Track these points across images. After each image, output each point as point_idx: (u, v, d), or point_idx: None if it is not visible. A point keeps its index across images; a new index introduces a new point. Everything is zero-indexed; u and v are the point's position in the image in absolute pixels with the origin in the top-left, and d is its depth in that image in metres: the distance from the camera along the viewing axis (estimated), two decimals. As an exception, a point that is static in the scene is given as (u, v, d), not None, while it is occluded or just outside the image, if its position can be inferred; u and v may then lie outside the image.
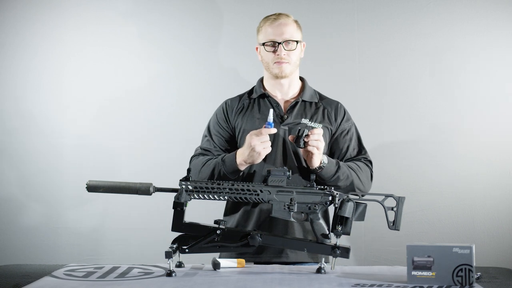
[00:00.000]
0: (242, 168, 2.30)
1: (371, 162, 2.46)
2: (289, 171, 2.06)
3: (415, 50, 3.30)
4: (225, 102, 2.51)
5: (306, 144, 2.21)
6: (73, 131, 3.34)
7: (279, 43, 2.36)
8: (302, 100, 2.44)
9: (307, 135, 2.21)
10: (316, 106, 2.45)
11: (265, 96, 2.45)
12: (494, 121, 3.26)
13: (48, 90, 3.35)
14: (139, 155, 3.34)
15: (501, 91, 3.27)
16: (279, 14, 2.42)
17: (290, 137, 2.28)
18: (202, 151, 2.45)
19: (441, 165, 3.27)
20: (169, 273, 1.98)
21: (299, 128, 2.23)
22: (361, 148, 2.48)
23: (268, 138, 2.24)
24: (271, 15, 2.43)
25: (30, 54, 3.34)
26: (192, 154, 2.48)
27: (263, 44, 2.40)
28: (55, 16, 3.35)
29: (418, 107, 3.30)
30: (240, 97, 2.50)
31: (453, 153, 3.27)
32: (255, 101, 2.46)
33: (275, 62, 2.38)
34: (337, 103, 2.49)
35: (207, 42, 3.37)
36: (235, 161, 2.28)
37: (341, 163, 2.35)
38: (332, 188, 2.06)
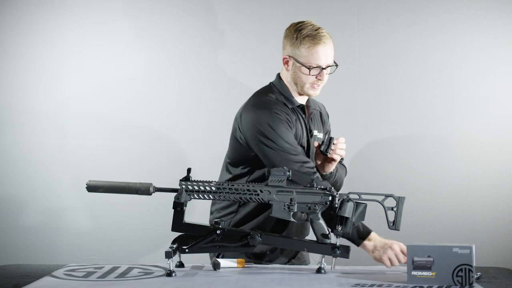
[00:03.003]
0: None
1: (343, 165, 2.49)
2: (289, 171, 2.05)
3: (415, 50, 3.30)
4: (282, 117, 2.26)
5: (332, 151, 2.25)
6: (73, 131, 3.34)
7: (323, 68, 2.28)
8: (313, 109, 2.43)
9: (334, 143, 2.25)
10: (319, 114, 2.45)
11: (302, 106, 2.36)
12: (494, 121, 3.26)
13: (48, 90, 3.35)
14: (139, 155, 3.33)
15: (501, 91, 3.27)
16: (324, 34, 2.28)
17: (315, 144, 2.30)
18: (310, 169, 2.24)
19: (441, 165, 3.27)
20: (169, 273, 1.98)
21: (327, 136, 2.29)
22: None
23: None
24: (313, 32, 2.27)
25: (30, 54, 3.34)
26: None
27: (309, 67, 2.26)
28: (55, 16, 3.35)
29: (418, 107, 3.30)
30: (286, 106, 2.31)
31: (453, 153, 3.27)
32: (293, 111, 2.34)
33: (312, 84, 2.30)
34: (323, 106, 2.51)
35: (207, 42, 3.37)
36: None
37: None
38: (332, 188, 2.07)
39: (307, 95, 2.34)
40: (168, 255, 1.98)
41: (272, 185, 2.05)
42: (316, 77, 2.28)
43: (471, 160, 3.26)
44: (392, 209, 2.04)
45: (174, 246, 2.02)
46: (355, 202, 2.02)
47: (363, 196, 2.06)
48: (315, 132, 2.37)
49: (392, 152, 3.29)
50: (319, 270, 2.04)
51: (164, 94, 3.37)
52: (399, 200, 2.05)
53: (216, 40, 3.37)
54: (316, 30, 2.29)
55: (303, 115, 2.36)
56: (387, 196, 2.04)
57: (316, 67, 2.27)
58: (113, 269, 2.11)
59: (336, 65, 2.32)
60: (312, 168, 2.22)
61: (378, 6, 3.32)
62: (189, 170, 2.07)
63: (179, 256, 2.11)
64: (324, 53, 2.28)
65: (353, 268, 2.13)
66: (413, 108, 3.31)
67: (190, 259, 2.12)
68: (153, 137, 3.34)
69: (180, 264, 2.13)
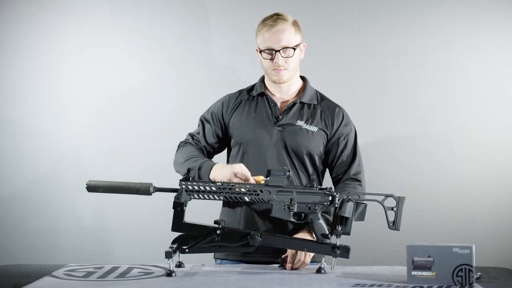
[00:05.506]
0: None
1: (360, 181, 2.40)
2: (289, 171, 2.06)
3: (415, 50, 3.30)
4: (225, 97, 2.52)
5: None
6: (73, 131, 3.34)
7: (277, 51, 2.34)
8: (300, 102, 2.43)
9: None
10: (314, 108, 2.44)
11: (263, 94, 2.45)
12: (494, 121, 3.26)
13: (48, 90, 3.35)
14: (139, 155, 3.34)
15: (501, 91, 3.27)
16: (277, 19, 2.36)
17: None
18: (190, 139, 2.47)
19: (441, 165, 3.27)
20: (169, 273, 1.98)
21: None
22: (354, 157, 2.42)
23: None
24: (268, 19, 2.38)
25: (30, 54, 3.34)
26: (184, 138, 2.51)
27: (261, 51, 2.38)
28: (55, 16, 3.35)
29: (418, 107, 3.30)
30: (240, 92, 2.51)
31: (453, 153, 3.27)
32: (253, 99, 2.46)
33: (273, 69, 2.37)
34: (336, 107, 2.46)
35: (207, 42, 3.37)
36: (209, 173, 2.27)
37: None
38: (332, 188, 2.07)
39: (273, 81, 2.41)
40: (168, 255, 1.98)
41: (272, 185, 2.06)
42: (272, 61, 2.35)
43: (471, 160, 3.26)
44: (392, 209, 2.04)
45: (174, 246, 2.02)
46: (355, 202, 2.02)
47: (363, 196, 2.06)
48: (301, 123, 2.37)
49: (392, 152, 3.29)
50: (319, 270, 2.04)
51: (164, 94, 3.37)
52: (399, 200, 2.05)
53: (216, 40, 3.37)
54: (272, 17, 2.38)
55: (269, 103, 2.41)
56: (387, 196, 2.04)
57: (266, 49, 2.35)
58: (113, 269, 2.11)
59: (294, 49, 2.35)
60: (190, 141, 2.46)
61: (378, 6, 3.32)
62: (189, 170, 2.07)
63: (179, 256, 2.11)
64: (274, 35, 2.34)
65: (353, 268, 2.13)
66: (413, 108, 3.31)
67: (190, 259, 2.12)
68: (153, 137, 3.34)
69: (180, 264, 2.13)
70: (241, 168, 2.18)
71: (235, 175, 2.17)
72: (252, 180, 2.17)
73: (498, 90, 3.27)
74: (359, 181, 2.40)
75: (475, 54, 3.27)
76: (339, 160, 2.41)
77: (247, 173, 2.17)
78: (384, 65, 3.32)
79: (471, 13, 3.26)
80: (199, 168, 2.29)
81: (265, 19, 2.39)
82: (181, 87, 3.37)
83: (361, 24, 3.32)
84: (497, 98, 3.27)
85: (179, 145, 2.49)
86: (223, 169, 2.23)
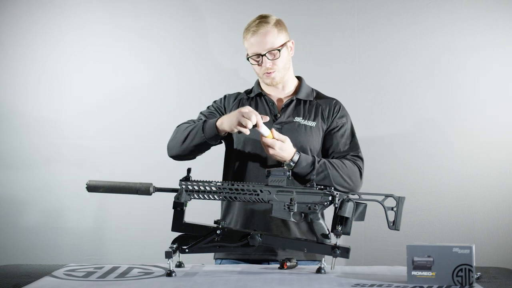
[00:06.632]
0: (219, 129, 2.26)
1: (361, 159, 2.40)
2: (289, 171, 2.06)
3: (415, 50, 3.30)
4: (225, 94, 2.54)
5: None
6: (73, 131, 3.35)
7: (263, 55, 2.36)
8: (297, 99, 2.44)
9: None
10: (310, 104, 2.45)
11: (261, 95, 2.47)
12: (494, 121, 3.26)
13: (48, 90, 3.36)
14: (139, 155, 3.34)
15: (501, 91, 3.27)
16: (259, 23, 2.37)
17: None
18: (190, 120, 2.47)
19: (441, 165, 3.28)
20: (169, 273, 1.98)
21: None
22: (352, 145, 2.43)
23: (253, 122, 2.18)
24: (251, 24, 2.40)
25: (30, 54, 3.35)
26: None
27: (248, 58, 2.40)
28: (55, 16, 3.35)
29: (418, 107, 3.31)
30: (238, 94, 2.53)
31: (453, 153, 3.27)
32: (252, 99, 2.48)
33: (264, 73, 2.39)
34: (332, 100, 2.48)
35: (207, 42, 3.37)
36: (215, 121, 2.27)
37: (319, 163, 2.29)
38: (332, 188, 2.07)
39: (267, 84, 2.44)
40: (168, 255, 1.98)
41: (272, 185, 2.06)
42: (260, 66, 2.37)
43: (471, 160, 3.26)
44: (392, 209, 2.04)
45: (174, 246, 2.02)
46: (355, 202, 2.02)
47: (363, 196, 2.06)
48: (299, 119, 2.39)
49: (392, 152, 3.30)
50: (319, 270, 2.04)
51: (164, 94, 3.37)
52: (399, 200, 2.05)
53: (216, 40, 3.37)
54: (254, 21, 2.39)
55: (267, 102, 2.44)
56: (387, 196, 2.04)
57: (254, 55, 2.38)
58: (113, 269, 2.11)
59: (279, 50, 2.35)
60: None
61: (378, 6, 3.32)
62: (189, 170, 2.07)
63: (179, 256, 2.11)
64: (257, 40, 2.36)
65: (353, 268, 2.13)
66: (413, 108, 3.31)
67: (190, 259, 2.12)
68: (153, 137, 3.34)
69: (180, 264, 2.13)
70: (248, 109, 2.18)
71: (243, 116, 2.16)
72: (259, 118, 2.17)
73: (498, 90, 3.27)
74: (360, 158, 2.41)
75: (475, 54, 3.27)
76: (336, 150, 2.41)
77: (255, 112, 2.18)
78: (384, 65, 3.32)
79: (471, 13, 3.27)
80: (204, 121, 2.31)
81: (249, 25, 2.41)
82: (181, 87, 3.37)
83: (361, 24, 3.33)
84: (497, 98, 3.27)
85: (178, 126, 2.48)
86: (230, 115, 2.23)
